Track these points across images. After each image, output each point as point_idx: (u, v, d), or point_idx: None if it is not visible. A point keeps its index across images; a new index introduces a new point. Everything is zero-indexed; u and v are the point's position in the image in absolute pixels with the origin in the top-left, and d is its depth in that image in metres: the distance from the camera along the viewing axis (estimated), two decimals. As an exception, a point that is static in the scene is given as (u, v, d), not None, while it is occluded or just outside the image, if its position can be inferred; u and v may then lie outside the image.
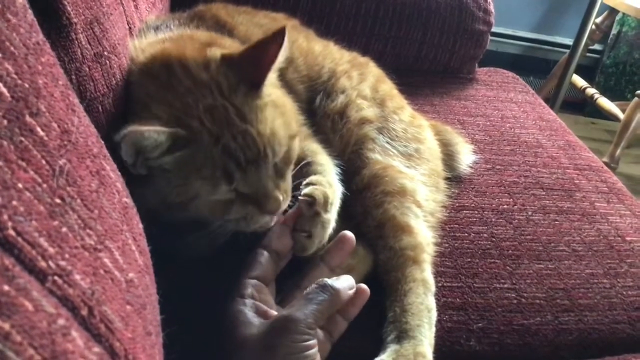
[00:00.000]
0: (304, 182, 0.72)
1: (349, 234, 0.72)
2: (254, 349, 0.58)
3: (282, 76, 0.86)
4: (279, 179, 0.68)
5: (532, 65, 2.82)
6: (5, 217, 0.29)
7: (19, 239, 0.29)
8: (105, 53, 0.62)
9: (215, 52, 0.69)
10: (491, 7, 1.42)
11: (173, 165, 0.62)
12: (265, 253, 0.68)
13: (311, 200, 0.69)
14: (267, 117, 0.66)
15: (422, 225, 0.84)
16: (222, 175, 0.63)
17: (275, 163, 0.68)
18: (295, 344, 0.58)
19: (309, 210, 0.69)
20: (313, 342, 0.60)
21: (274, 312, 0.64)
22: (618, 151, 2.22)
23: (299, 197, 0.70)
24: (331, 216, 0.72)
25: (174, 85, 0.65)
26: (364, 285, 0.69)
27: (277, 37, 0.67)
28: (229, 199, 0.66)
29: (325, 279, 0.65)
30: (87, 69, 0.59)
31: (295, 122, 0.74)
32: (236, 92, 0.65)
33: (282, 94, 0.76)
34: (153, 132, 0.58)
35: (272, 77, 0.69)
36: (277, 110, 0.69)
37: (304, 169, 0.76)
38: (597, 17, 2.38)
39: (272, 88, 0.71)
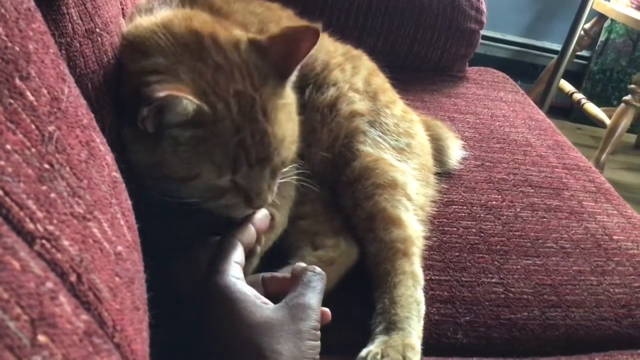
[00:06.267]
0: None
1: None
2: (283, 333, 0.55)
3: None
4: (272, 179, 0.67)
5: (520, 69, 2.83)
6: (-7, 176, 0.28)
7: (7, 198, 0.28)
8: (97, 30, 0.61)
9: (241, 34, 0.68)
10: (483, 6, 1.43)
11: (187, 140, 0.60)
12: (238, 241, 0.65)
13: None
14: (282, 120, 0.66)
15: (412, 218, 0.83)
16: (231, 165, 0.62)
17: (275, 164, 0.67)
18: (315, 332, 0.57)
19: None
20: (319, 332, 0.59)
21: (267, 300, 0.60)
22: (603, 156, 2.24)
23: None
24: None
25: (205, 57, 0.63)
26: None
27: (310, 34, 0.65)
28: (225, 187, 0.64)
29: (316, 267, 0.64)
30: (77, 45, 0.57)
31: (297, 128, 0.73)
32: (265, 85, 0.64)
33: (293, 95, 0.74)
34: (187, 101, 0.56)
35: (294, 74, 0.68)
36: (290, 114, 0.69)
37: None
38: (585, 23, 2.40)
39: (289, 88, 0.70)
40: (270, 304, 0.58)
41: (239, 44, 0.65)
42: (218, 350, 0.55)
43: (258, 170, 0.64)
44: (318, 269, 0.63)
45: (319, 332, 0.58)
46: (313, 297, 0.60)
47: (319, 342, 0.57)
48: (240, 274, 0.60)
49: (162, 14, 0.71)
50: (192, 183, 0.62)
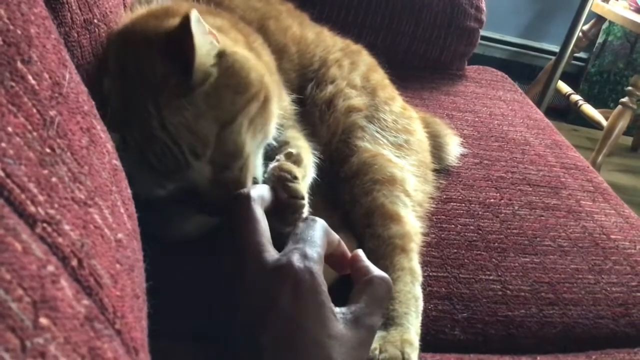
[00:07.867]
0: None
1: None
2: (347, 356, 0.50)
3: (278, 66, 0.84)
4: (221, 171, 0.62)
5: (518, 70, 2.84)
6: (-6, 157, 0.27)
7: (8, 180, 0.27)
8: (95, 21, 0.61)
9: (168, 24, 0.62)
10: (483, 5, 1.43)
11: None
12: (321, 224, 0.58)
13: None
14: (188, 119, 0.58)
15: (411, 214, 0.83)
16: (154, 183, 0.60)
17: (211, 160, 0.61)
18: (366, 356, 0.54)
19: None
20: None
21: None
22: (600, 158, 2.24)
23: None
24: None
25: (127, 72, 0.60)
26: None
27: (185, 31, 0.56)
28: (175, 194, 0.62)
29: (389, 279, 0.58)
30: (75, 35, 0.57)
31: (237, 102, 0.63)
32: (163, 89, 0.58)
33: (241, 56, 0.65)
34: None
35: (203, 60, 0.59)
36: (210, 99, 0.60)
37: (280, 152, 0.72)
38: (584, 24, 2.41)
39: (216, 66, 0.62)
40: (344, 312, 0.53)
41: (152, 42, 0.60)
42: (299, 343, 0.50)
43: (182, 177, 0.60)
44: (391, 282, 0.59)
45: None
46: (379, 320, 0.55)
47: None
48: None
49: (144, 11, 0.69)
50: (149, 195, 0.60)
